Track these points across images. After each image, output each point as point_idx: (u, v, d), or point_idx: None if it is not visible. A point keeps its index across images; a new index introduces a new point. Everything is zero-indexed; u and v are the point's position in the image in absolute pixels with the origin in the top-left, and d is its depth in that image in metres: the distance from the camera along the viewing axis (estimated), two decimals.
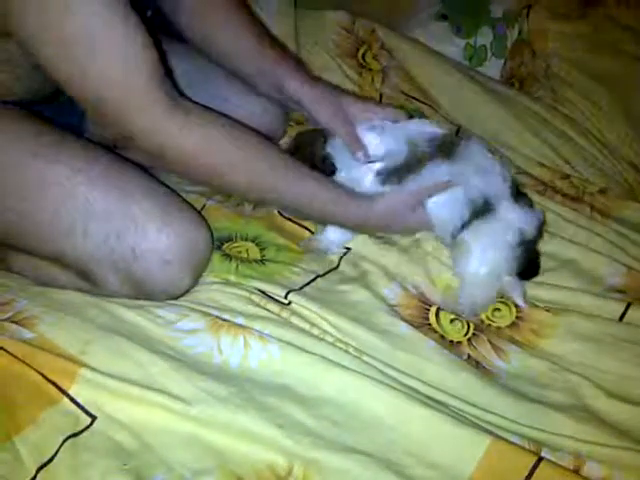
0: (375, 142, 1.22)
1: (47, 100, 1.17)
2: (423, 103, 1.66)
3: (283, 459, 0.94)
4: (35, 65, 1.01)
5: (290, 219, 1.33)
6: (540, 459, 0.96)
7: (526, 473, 0.95)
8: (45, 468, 0.90)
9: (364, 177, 1.22)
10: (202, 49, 1.34)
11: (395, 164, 1.20)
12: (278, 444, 0.95)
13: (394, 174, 1.21)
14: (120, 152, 1.21)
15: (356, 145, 1.22)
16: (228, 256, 1.22)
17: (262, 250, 1.25)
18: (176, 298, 1.15)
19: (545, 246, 1.32)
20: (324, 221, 1.26)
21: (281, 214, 1.33)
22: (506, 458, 0.96)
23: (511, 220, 1.17)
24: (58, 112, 1.18)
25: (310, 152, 1.24)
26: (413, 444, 0.98)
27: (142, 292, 1.12)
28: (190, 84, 1.35)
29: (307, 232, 1.32)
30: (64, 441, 0.93)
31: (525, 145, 1.61)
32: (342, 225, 1.24)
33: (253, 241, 1.27)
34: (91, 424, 0.95)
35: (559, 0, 1.93)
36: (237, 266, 1.20)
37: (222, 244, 1.25)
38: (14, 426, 0.93)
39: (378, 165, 1.21)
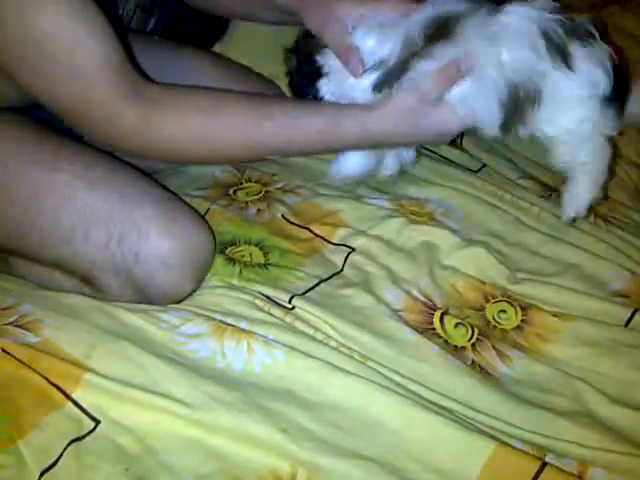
0: (370, 47, 1.11)
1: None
2: None
3: (287, 464, 0.94)
4: None
5: (294, 223, 1.33)
6: (544, 464, 0.96)
7: (530, 479, 0.94)
8: (49, 472, 0.90)
9: (358, 89, 1.13)
10: None
11: (390, 68, 1.10)
12: (282, 449, 0.95)
13: (391, 79, 1.10)
14: (120, 156, 1.22)
15: (346, 55, 1.12)
16: (232, 260, 1.22)
17: (266, 254, 1.25)
18: (178, 302, 1.15)
19: (548, 250, 1.32)
20: (328, 151, 1.20)
21: (285, 218, 1.33)
22: (510, 463, 0.96)
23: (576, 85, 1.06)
24: (57, 117, 1.18)
25: (302, 57, 1.19)
26: (417, 449, 0.97)
27: (144, 296, 1.13)
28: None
29: (310, 234, 1.31)
30: (68, 445, 0.93)
31: (528, 149, 1.61)
32: (345, 147, 1.18)
33: (257, 245, 1.26)
34: (95, 428, 0.95)
35: (563, 5, 1.92)
36: (240, 270, 1.20)
37: (225, 248, 1.24)
38: (18, 430, 0.93)
39: (373, 75, 1.11)
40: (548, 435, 1.02)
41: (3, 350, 1.00)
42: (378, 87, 1.12)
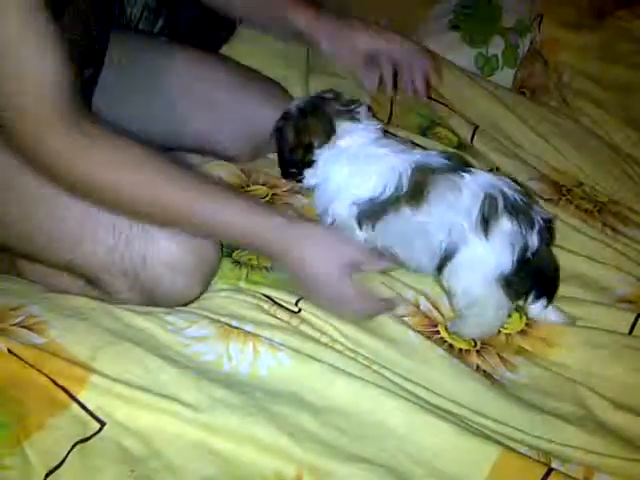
0: (363, 182, 1.14)
1: None
2: (439, 102, 1.66)
3: (292, 468, 0.94)
4: None
5: None
6: (550, 470, 0.96)
7: None
8: (54, 473, 0.90)
9: (346, 212, 1.16)
10: None
11: (375, 204, 1.14)
12: (287, 452, 0.95)
13: (370, 216, 1.14)
14: None
15: (364, 76, 1.23)
16: (238, 263, 1.22)
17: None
18: (185, 305, 1.15)
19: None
20: (236, 235, 1.11)
21: None
22: (516, 469, 0.96)
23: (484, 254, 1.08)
24: None
25: (300, 141, 1.19)
26: (422, 454, 0.97)
27: (151, 299, 1.12)
28: (187, 90, 1.39)
29: None
30: (73, 447, 0.93)
31: (539, 151, 1.61)
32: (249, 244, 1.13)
33: None
34: (100, 430, 0.95)
35: (571, 11, 1.93)
36: (247, 273, 1.20)
37: (232, 251, 1.24)
38: (24, 431, 0.93)
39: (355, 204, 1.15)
40: (554, 441, 1.02)
41: (9, 351, 0.99)
42: (362, 217, 1.15)
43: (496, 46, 1.84)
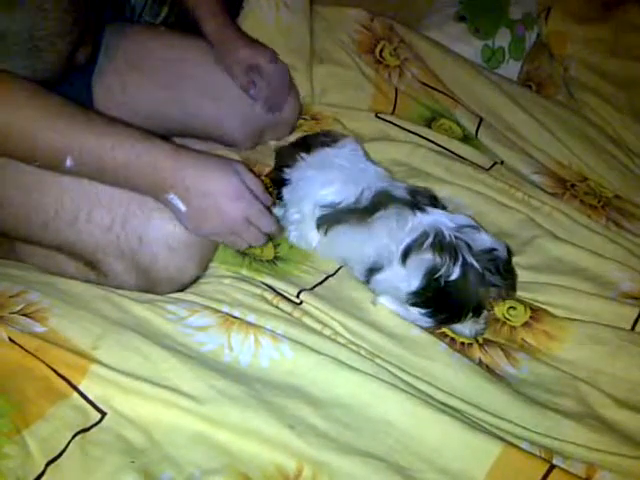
0: (329, 192, 1.21)
1: (51, 82, 1.14)
2: (443, 93, 1.65)
3: (293, 461, 0.93)
4: (32, 45, 1.00)
5: None
6: (552, 467, 0.95)
7: None
8: (54, 463, 0.90)
9: (311, 212, 1.23)
10: None
11: (333, 211, 1.21)
12: (288, 445, 0.94)
13: (327, 222, 1.21)
14: None
15: (246, 85, 1.35)
16: (241, 252, 1.21)
17: (276, 246, 1.25)
18: (183, 288, 1.14)
19: (558, 250, 1.32)
20: (121, 169, 1.06)
21: None
22: (518, 465, 0.96)
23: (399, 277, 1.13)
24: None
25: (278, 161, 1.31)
26: (425, 449, 0.97)
27: (148, 280, 1.12)
28: (188, 77, 1.40)
29: None
30: (73, 436, 0.93)
31: (544, 144, 1.61)
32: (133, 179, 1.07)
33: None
34: (101, 420, 0.95)
35: (579, 3, 1.92)
36: (250, 262, 1.20)
37: None
38: (24, 420, 0.93)
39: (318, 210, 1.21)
40: (556, 437, 1.02)
41: (10, 339, 0.99)
42: (321, 222, 1.22)
43: (503, 38, 1.84)
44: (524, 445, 1.00)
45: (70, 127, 1.02)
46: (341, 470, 0.93)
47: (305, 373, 1.03)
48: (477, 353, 1.14)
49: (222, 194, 1.07)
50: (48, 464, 0.90)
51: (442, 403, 1.03)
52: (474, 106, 1.66)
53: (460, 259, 1.10)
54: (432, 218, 1.15)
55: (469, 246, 1.12)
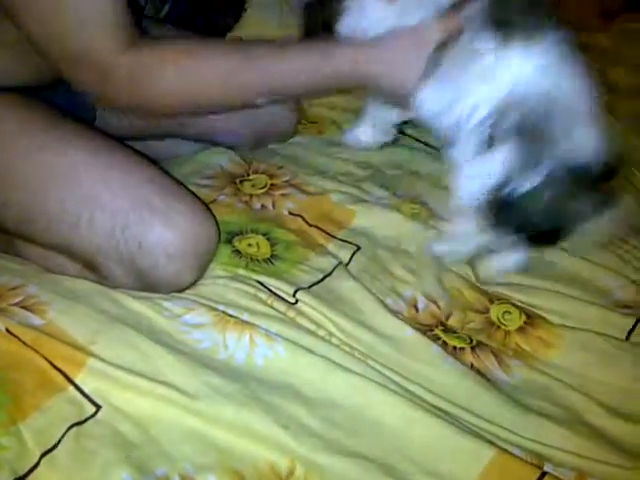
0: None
1: (54, 85, 1.17)
2: None
3: (285, 460, 0.94)
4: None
5: (300, 216, 1.33)
6: (544, 474, 0.96)
7: None
8: (49, 454, 0.90)
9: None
10: None
11: None
12: (281, 444, 0.95)
13: None
14: (130, 144, 1.22)
15: None
16: (238, 252, 1.22)
17: (273, 245, 1.25)
18: (181, 291, 1.15)
19: (552, 257, 1.32)
20: (320, 89, 1.19)
21: (291, 213, 1.33)
22: (509, 470, 0.96)
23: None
24: (66, 99, 1.18)
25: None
26: (416, 452, 0.97)
27: (147, 285, 1.13)
28: None
29: (315, 229, 1.31)
30: (68, 429, 0.93)
31: None
32: (336, 83, 1.16)
33: (264, 235, 1.27)
34: (95, 413, 0.95)
35: (579, 12, 1.92)
36: (247, 264, 1.20)
37: (232, 238, 1.25)
38: (19, 411, 0.93)
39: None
40: (547, 444, 1.02)
41: (7, 331, 1.00)
42: None
43: None
44: (515, 451, 1.00)
45: (257, 67, 1.10)
46: (333, 470, 0.93)
47: (299, 373, 1.04)
48: (469, 358, 1.14)
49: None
50: (43, 455, 0.90)
51: (434, 406, 1.04)
52: None
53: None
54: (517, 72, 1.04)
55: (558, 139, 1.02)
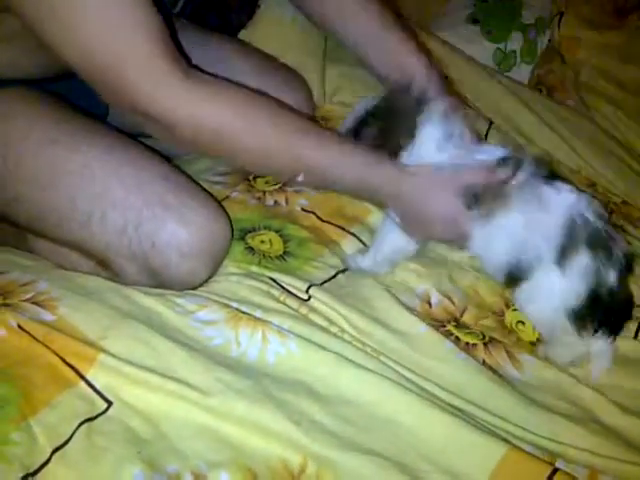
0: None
1: (62, 77, 1.15)
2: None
3: (298, 456, 0.93)
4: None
5: (313, 212, 1.32)
6: (555, 470, 0.96)
7: None
8: (60, 451, 0.90)
9: None
10: (315, 19, 1.38)
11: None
12: (294, 441, 0.94)
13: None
14: (142, 140, 1.21)
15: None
16: (251, 249, 1.21)
17: (286, 242, 1.24)
18: (194, 288, 1.14)
19: None
20: (349, 188, 1.15)
21: (304, 210, 1.32)
22: (521, 467, 0.96)
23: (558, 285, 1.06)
24: (77, 93, 1.16)
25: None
26: (429, 448, 0.97)
27: (160, 282, 1.12)
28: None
29: (329, 225, 1.31)
30: (79, 425, 0.93)
31: (553, 149, 1.61)
32: (364, 192, 1.15)
33: (277, 232, 1.26)
34: (107, 409, 0.95)
35: (591, 9, 1.92)
36: (260, 260, 1.20)
37: (245, 234, 1.24)
38: (30, 407, 0.93)
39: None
40: (559, 441, 1.02)
41: (19, 326, 0.99)
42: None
43: (515, 42, 1.84)
44: (527, 447, 1.00)
45: (301, 150, 1.09)
46: (345, 467, 0.93)
47: (311, 370, 1.03)
48: (481, 354, 1.14)
49: (436, 219, 1.13)
50: (54, 452, 0.90)
51: (447, 403, 1.03)
52: (485, 109, 1.65)
53: (615, 260, 1.03)
54: (569, 198, 1.06)
55: (616, 242, 1.05)
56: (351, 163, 1.10)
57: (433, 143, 1.15)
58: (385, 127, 1.16)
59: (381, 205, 1.20)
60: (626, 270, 1.08)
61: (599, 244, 1.05)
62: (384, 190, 1.12)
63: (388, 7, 1.31)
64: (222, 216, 1.15)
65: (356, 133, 1.19)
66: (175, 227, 1.09)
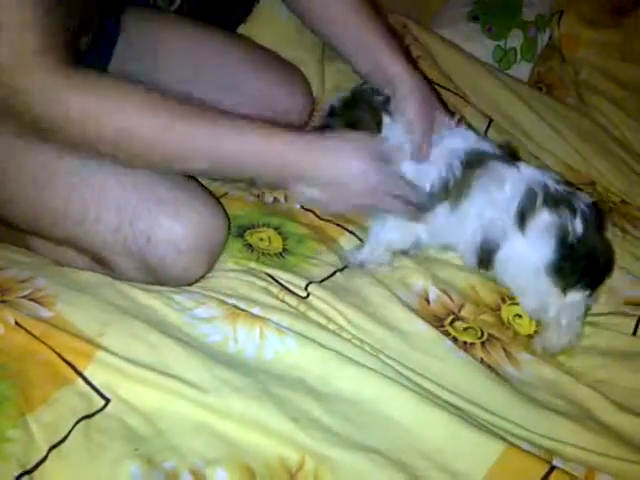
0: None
1: None
2: (453, 93, 1.64)
3: (295, 454, 0.93)
4: None
5: (312, 211, 1.32)
6: (552, 468, 0.96)
7: None
8: (57, 448, 0.90)
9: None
10: (298, 12, 1.34)
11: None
12: (291, 438, 0.94)
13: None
14: None
15: (422, 152, 1.16)
16: (250, 246, 1.21)
17: (285, 239, 1.25)
18: (191, 284, 1.14)
19: None
20: (251, 165, 1.07)
21: (303, 207, 1.33)
22: (519, 465, 0.96)
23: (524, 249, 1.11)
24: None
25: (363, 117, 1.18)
26: (427, 446, 0.97)
27: (156, 278, 1.12)
28: (203, 70, 1.37)
29: (327, 222, 1.31)
30: (77, 422, 0.93)
31: (553, 147, 1.60)
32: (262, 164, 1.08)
33: (276, 229, 1.26)
34: (104, 407, 0.95)
35: (591, 7, 1.92)
36: (258, 257, 1.20)
37: (244, 232, 1.24)
38: (27, 404, 0.93)
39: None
40: (556, 439, 1.02)
41: (16, 323, 0.99)
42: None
43: (515, 39, 1.83)
44: (524, 445, 1.00)
45: (190, 131, 1.03)
46: (343, 464, 0.93)
47: (309, 367, 1.03)
48: (479, 353, 1.14)
49: (353, 179, 1.08)
50: (51, 449, 0.90)
51: (445, 401, 1.03)
52: (484, 106, 1.65)
53: (578, 210, 1.09)
54: (528, 173, 1.13)
55: (578, 197, 1.10)
56: (247, 136, 1.05)
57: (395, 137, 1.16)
58: (351, 120, 1.17)
59: (294, 180, 1.10)
60: (595, 219, 1.12)
61: (559, 202, 1.10)
62: (290, 158, 1.07)
63: (371, 5, 1.29)
64: (218, 211, 1.15)
65: (325, 127, 1.19)
66: (170, 222, 1.08)
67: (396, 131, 1.17)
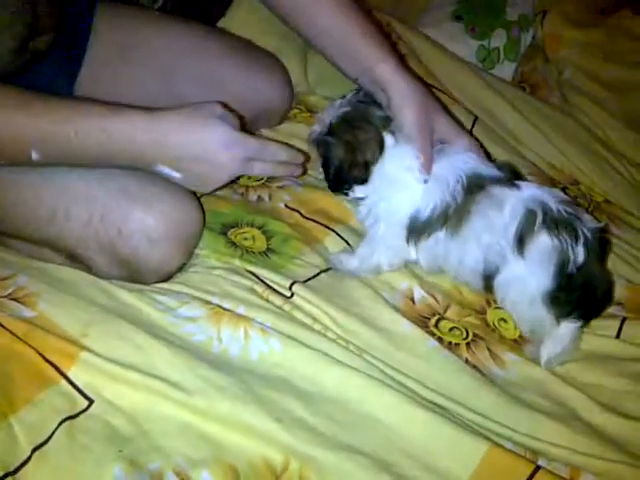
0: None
1: (22, 71, 1.12)
2: (440, 91, 1.63)
3: (280, 454, 0.93)
4: None
5: (296, 210, 1.32)
6: (537, 468, 0.96)
7: None
8: (40, 449, 0.90)
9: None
10: (280, 14, 1.30)
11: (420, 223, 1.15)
12: (276, 438, 0.94)
13: (414, 234, 1.16)
14: None
15: (426, 164, 1.14)
16: (234, 244, 1.21)
17: (269, 239, 1.24)
18: (169, 277, 1.14)
19: None
20: (93, 149, 1.03)
21: (287, 207, 1.32)
22: (504, 465, 0.96)
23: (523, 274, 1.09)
24: (40, 82, 1.11)
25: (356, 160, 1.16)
26: (411, 446, 0.97)
27: (132, 272, 1.12)
28: (183, 64, 1.36)
29: (312, 222, 1.30)
30: (60, 423, 0.92)
31: (536, 146, 1.61)
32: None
33: (260, 228, 1.26)
34: (88, 407, 0.95)
35: (575, 7, 1.93)
36: (242, 254, 1.19)
37: (227, 230, 1.24)
38: (10, 405, 0.92)
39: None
40: (541, 439, 1.02)
41: None
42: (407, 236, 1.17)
43: (498, 39, 1.83)
44: (509, 445, 1.00)
45: (28, 119, 1.00)
46: (327, 465, 0.93)
47: (294, 367, 1.03)
48: (464, 353, 1.14)
49: (213, 151, 1.07)
50: (34, 450, 0.89)
51: (429, 401, 1.03)
52: (469, 105, 1.65)
53: (581, 236, 1.05)
54: (529, 193, 1.10)
55: (581, 221, 1.07)
56: (86, 117, 1.02)
57: (402, 158, 1.15)
58: (352, 141, 1.16)
59: (151, 163, 1.07)
60: (598, 246, 1.09)
61: (561, 224, 1.06)
62: (140, 140, 1.04)
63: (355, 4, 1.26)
64: (191, 200, 1.14)
65: (323, 145, 1.18)
66: (141, 214, 1.08)
67: (401, 154, 1.16)
